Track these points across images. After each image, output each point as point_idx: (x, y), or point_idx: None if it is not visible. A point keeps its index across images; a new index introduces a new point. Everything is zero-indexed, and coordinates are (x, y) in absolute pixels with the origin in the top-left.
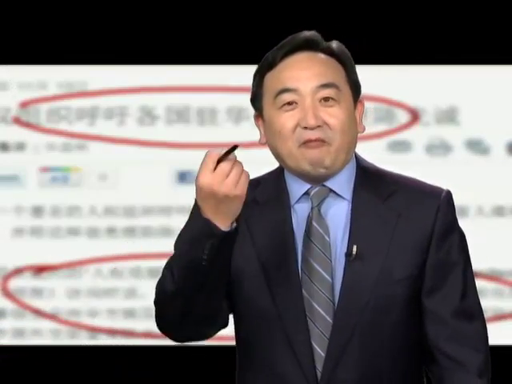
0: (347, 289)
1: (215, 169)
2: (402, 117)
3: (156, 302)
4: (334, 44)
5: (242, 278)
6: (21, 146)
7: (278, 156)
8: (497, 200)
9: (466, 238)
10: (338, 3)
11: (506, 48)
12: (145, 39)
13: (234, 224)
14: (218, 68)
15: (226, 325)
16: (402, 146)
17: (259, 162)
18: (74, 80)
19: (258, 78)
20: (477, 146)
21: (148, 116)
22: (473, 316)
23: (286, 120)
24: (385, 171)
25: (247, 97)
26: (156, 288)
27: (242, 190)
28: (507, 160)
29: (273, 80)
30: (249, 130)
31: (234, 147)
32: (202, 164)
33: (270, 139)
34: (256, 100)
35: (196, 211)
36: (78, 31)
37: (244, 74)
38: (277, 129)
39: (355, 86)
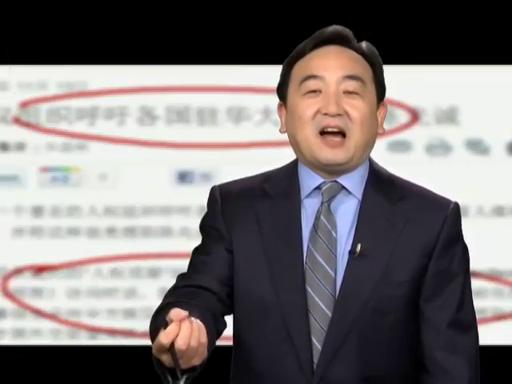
0: (347, 285)
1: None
2: (402, 117)
3: None
4: (364, 44)
5: (247, 269)
6: (21, 146)
7: (295, 143)
8: (497, 200)
9: (466, 238)
10: (338, 3)
11: (506, 48)
12: (145, 39)
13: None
14: (218, 68)
15: (224, 327)
16: (402, 146)
17: (259, 162)
18: (74, 80)
19: (287, 67)
20: (477, 146)
21: (148, 116)
22: (467, 328)
23: (308, 106)
24: (396, 177)
25: (247, 97)
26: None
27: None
28: (507, 160)
29: (301, 68)
30: (249, 130)
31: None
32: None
33: (290, 126)
34: (282, 88)
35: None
36: (78, 31)
37: (244, 74)
38: (298, 114)
39: (381, 88)
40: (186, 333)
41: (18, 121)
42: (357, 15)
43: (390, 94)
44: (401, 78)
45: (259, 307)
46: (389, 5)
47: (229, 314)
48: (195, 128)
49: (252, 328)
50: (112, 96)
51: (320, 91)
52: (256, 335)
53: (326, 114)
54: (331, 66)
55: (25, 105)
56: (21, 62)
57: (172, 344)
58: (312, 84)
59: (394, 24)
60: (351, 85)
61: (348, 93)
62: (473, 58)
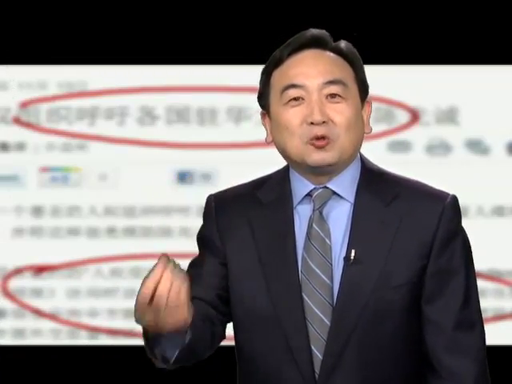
0: (344, 292)
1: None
2: (402, 117)
3: None
4: (343, 43)
5: (242, 280)
6: (21, 146)
7: (284, 152)
8: (497, 200)
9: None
10: (338, 3)
11: (506, 48)
12: (145, 39)
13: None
14: (218, 68)
15: (223, 338)
16: (401, 146)
17: (259, 162)
18: (74, 80)
19: (265, 75)
20: (477, 146)
21: (148, 116)
22: (473, 326)
23: (293, 116)
24: (390, 174)
25: (247, 97)
26: None
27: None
28: (507, 160)
29: (280, 77)
30: (249, 130)
31: None
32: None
33: (277, 135)
34: (263, 97)
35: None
36: (78, 31)
37: (244, 74)
38: (284, 124)
39: (363, 86)
40: (166, 281)
41: (17, 121)
42: (357, 15)
43: (390, 94)
44: (401, 78)
45: (257, 318)
46: (389, 5)
47: (228, 320)
48: (195, 128)
49: (251, 339)
50: (112, 96)
51: (302, 98)
52: (255, 346)
53: (312, 124)
54: (311, 74)
55: (25, 105)
56: (21, 62)
57: (152, 298)
58: (293, 93)
59: (394, 24)
60: (333, 89)
61: (331, 96)
62: (473, 58)
